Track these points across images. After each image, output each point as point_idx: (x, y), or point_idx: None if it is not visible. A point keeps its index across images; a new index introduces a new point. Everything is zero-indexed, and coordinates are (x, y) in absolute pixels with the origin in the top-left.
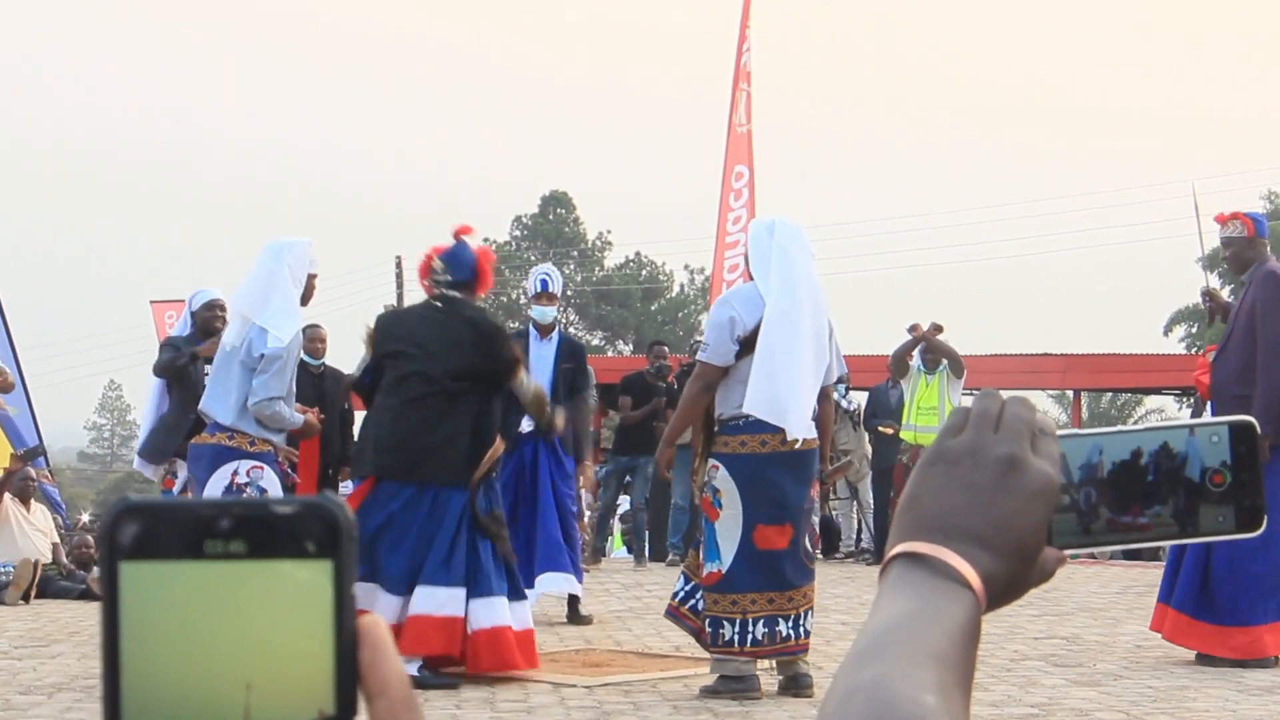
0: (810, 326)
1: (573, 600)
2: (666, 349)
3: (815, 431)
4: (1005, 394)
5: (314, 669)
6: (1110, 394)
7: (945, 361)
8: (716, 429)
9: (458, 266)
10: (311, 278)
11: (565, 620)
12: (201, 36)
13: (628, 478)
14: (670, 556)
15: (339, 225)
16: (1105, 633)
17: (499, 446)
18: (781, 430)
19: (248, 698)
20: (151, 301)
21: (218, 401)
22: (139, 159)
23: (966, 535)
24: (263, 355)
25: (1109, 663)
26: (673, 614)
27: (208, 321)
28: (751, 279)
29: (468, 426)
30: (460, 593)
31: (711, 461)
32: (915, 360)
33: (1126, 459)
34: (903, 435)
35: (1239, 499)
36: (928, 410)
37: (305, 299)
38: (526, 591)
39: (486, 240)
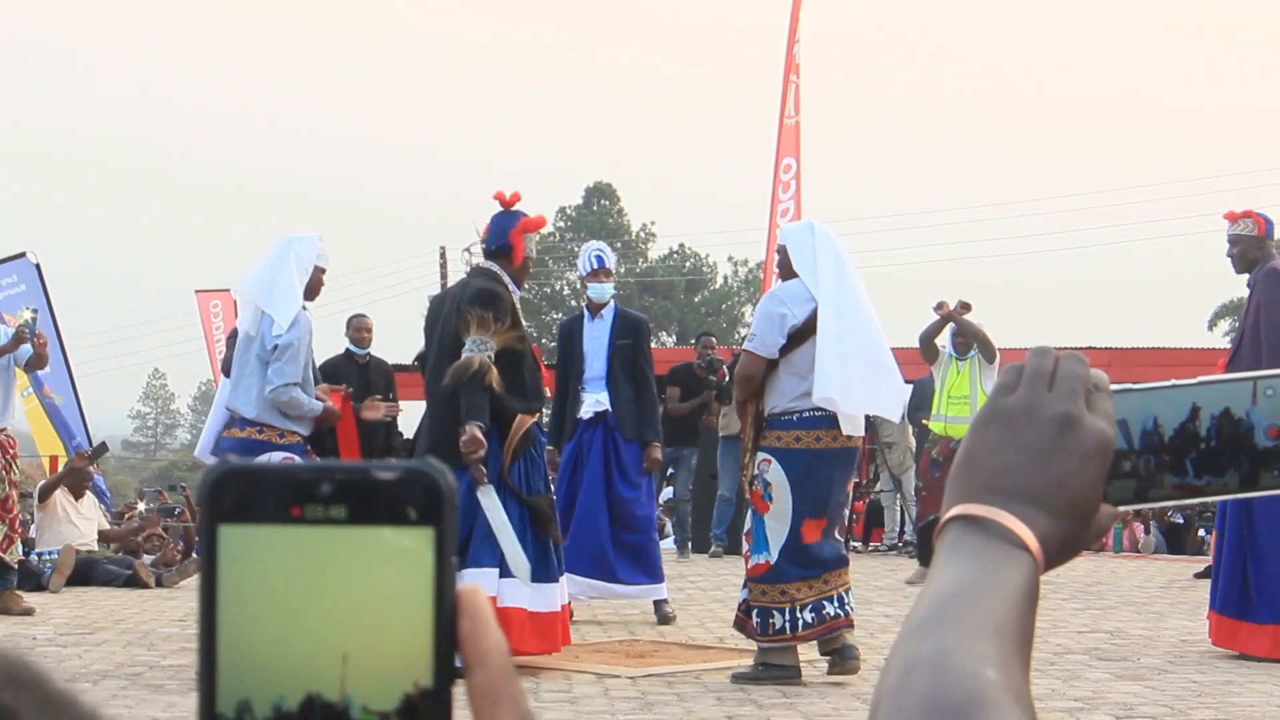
0: (864, 319)
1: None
2: (714, 340)
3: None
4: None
5: (412, 639)
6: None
7: (976, 346)
8: (768, 423)
9: (493, 235)
10: (319, 270)
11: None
12: (246, 27)
13: (670, 469)
14: (714, 548)
15: (384, 216)
16: (1149, 627)
17: (522, 422)
18: (836, 427)
19: (344, 669)
20: (197, 291)
21: (242, 396)
22: (184, 148)
23: (1023, 496)
24: (275, 346)
25: (1153, 657)
26: (737, 622)
27: None
28: (785, 278)
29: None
30: (493, 573)
31: (763, 455)
32: (946, 346)
33: (1186, 422)
34: (932, 426)
35: None
36: (959, 399)
37: (312, 292)
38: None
39: None
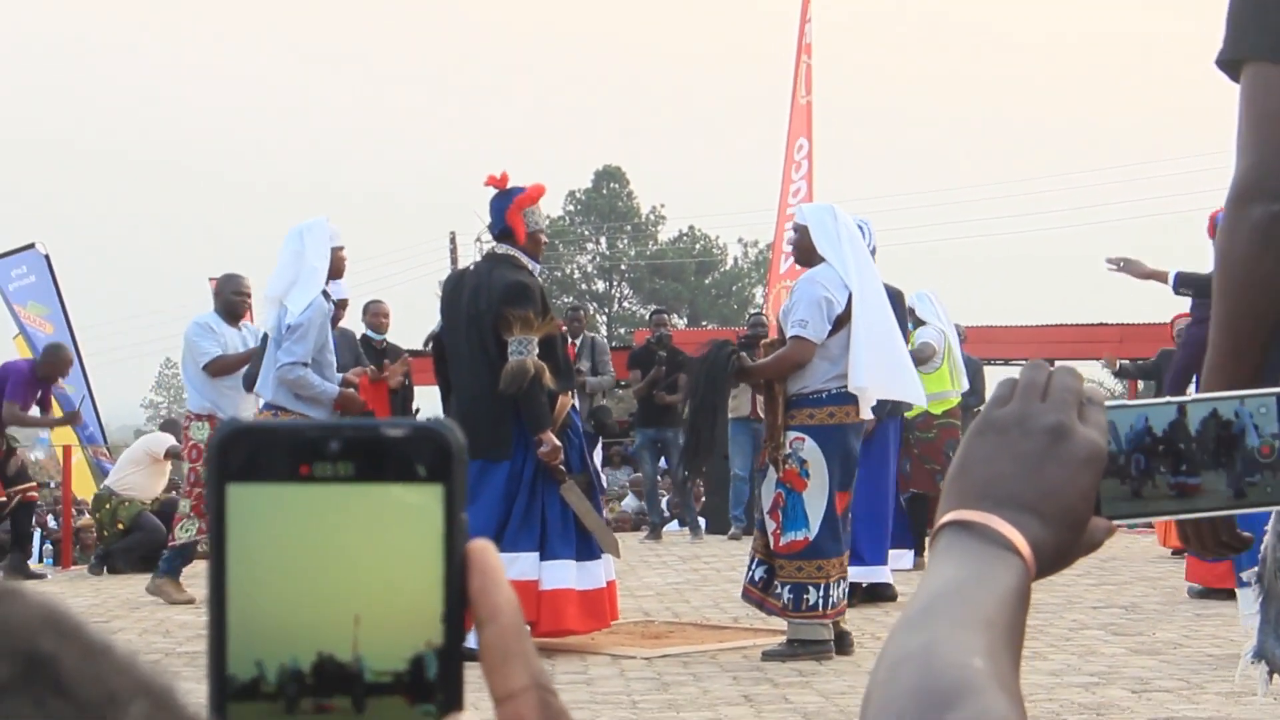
0: (885, 307)
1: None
2: (667, 316)
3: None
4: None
5: (423, 597)
6: None
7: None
8: (794, 402)
9: (494, 220)
10: (336, 250)
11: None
12: (257, 16)
13: (662, 458)
14: (732, 529)
15: (394, 202)
16: (1164, 601)
17: (564, 403)
18: (857, 404)
19: (356, 631)
20: (210, 279)
21: (262, 380)
22: (196, 137)
23: (1015, 503)
24: (289, 327)
25: (1168, 631)
26: (752, 598)
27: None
28: (804, 260)
29: (510, 401)
30: (532, 556)
31: (795, 434)
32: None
33: (1177, 426)
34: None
35: None
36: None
37: (336, 272)
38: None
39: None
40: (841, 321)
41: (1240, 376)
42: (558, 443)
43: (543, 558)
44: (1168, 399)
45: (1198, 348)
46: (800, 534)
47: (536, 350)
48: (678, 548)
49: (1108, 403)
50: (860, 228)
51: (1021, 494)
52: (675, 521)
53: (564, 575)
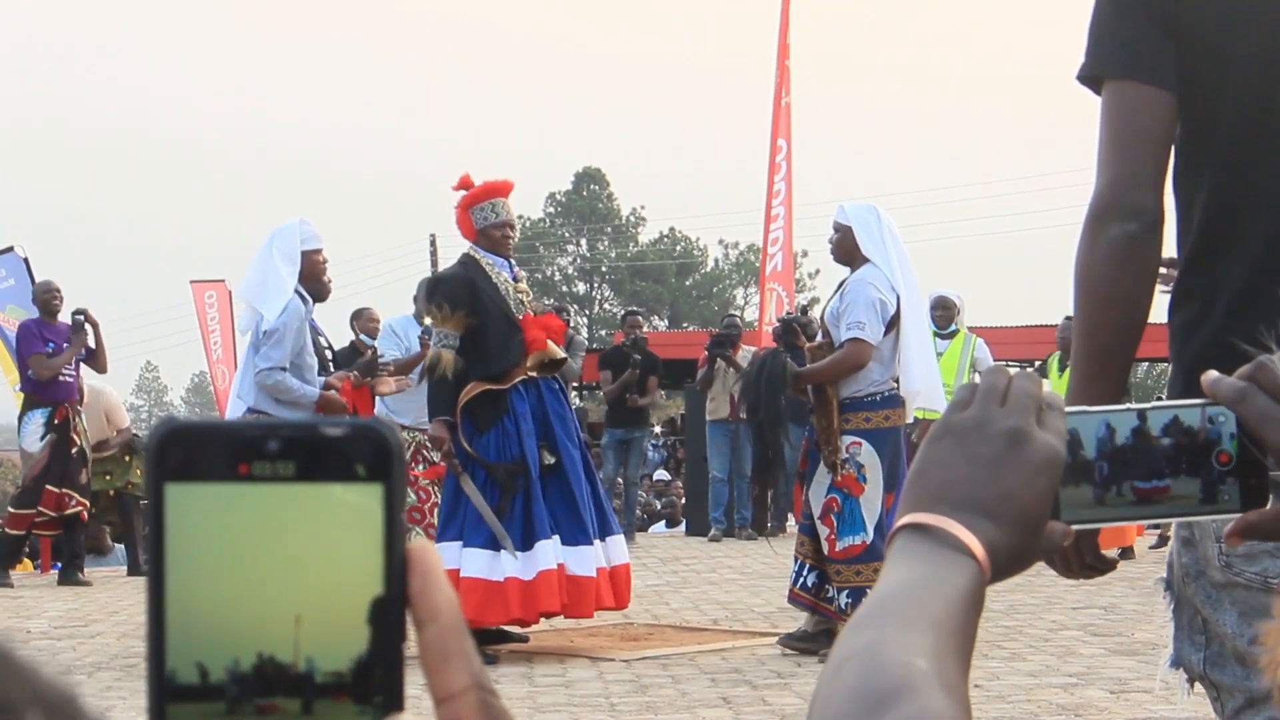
0: (922, 312)
1: None
2: (640, 319)
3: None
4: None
5: (363, 597)
6: (1147, 364)
7: (959, 324)
8: (849, 405)
9: None
10: (310, 254)
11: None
12: (240, 15)
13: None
14: (712, 531)
15: (375, 204)
16: (1143, 602)
17: (472, 388)
18: (904, 405)
19: (297, 631)
20: (192, 281)
21: (242, 385)
22: (178, 137)
23: (971, 506)
24: (265, 333)
25: (1147, 631)
26: (804, 603)
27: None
28: (845, 260)
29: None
30: (455, 545)
31: (852, 438)
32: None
33: (1139, 433)
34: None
35: (1244, 477)
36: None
37: (311, 275)
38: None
39: (520, 217)
40: (892, 323)
41: (1101, 396)
42: (440, 433)
43: (464, 546)
44: (1128, 406)
45: None
46: (858, 538)
47: (455, 341)
48: (658, 549)
49: (1068, 409)
50: None
51: (978, 497)
52: (663, 523)
53: (475, 564)
